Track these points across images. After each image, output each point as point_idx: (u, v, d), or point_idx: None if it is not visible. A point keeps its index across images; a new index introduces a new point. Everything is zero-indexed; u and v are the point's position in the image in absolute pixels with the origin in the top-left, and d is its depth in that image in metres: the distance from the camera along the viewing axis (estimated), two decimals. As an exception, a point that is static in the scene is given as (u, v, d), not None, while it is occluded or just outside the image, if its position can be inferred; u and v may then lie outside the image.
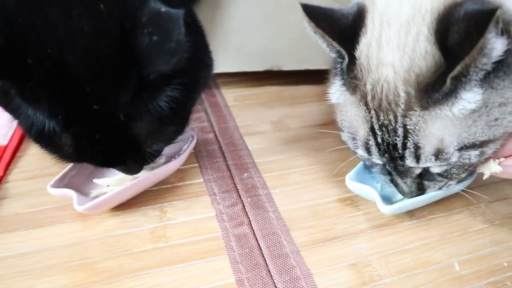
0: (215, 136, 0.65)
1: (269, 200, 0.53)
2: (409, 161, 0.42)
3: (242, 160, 0.60)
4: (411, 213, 0.51)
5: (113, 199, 0.49)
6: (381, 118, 0.42)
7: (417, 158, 0.42)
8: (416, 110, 0.40)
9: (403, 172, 0.45)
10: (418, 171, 0.45)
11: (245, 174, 0.57)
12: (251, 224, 0.49)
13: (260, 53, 0.76)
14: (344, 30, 0.44)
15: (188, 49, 0.37)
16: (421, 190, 0.47)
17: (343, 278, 0.43)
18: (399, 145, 0.42)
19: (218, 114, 0.71)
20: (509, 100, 0.39)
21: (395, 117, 0.41)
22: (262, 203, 0.52)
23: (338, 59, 0.45)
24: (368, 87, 0.42)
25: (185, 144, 0.57)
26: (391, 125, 0.41)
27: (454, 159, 0.41)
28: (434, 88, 0.39)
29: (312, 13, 0.44)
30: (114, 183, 0.52)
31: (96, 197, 0.50)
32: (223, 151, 0.62)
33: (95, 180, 0.52)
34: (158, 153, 0.46)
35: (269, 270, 0.44)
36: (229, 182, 0.56)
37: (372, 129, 0.43)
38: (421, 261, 0.45)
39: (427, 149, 0.41)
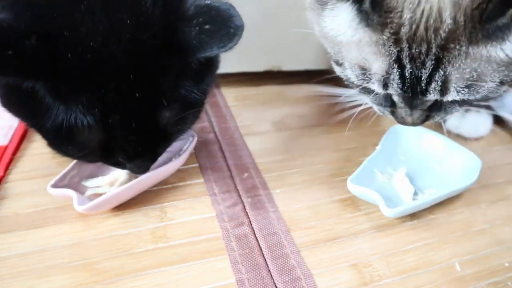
0: (216, 136, 0.65)
1: (269, 200, 0.53)
2: (432, 95, 0.38)
3: (242, 160, 0.60)
4: (412, 214, 0.51)
5: (113, 199, 0.49)
6: (413, 50, 0.36)
7: (443, 91, 0.37)
8: (460, 43, 0.34)
9: (415, 105, 0.41)
10: (431, 103, 0.41)
11: (246, 174, 0.57)
12: (251, 225, 0.49)
13: (260, 53, 0.76)
14: None
15: None
16: (424, 122, 0.44)
17: (343, 278, 0.43)
18: (424, 78, 0.37)
19: (218, 114, 0.71)
20: None
21: (428, 48, 0.36)
22: (262, 203, 0.52)
23: (354, 6, 0.37)
24: (406, 15, 0.35)
25: (185, 144, 0.56)
26: (421, 57, 0.36)
27: (486, 91, 0.37)
28: (489, 18, 0.33)
29: None
30: (104, 184, 0.52)
31: (92, 197, 0.50)
32: (224, 151, 0.62)
33: (84, 182, 0.52)
34: (175, 140, 0.48)
35: (269, 271, 0.44)
36: (230, 182, 0.56)
37: (398, 61, 0.37)
38: (422, 262, 0.45)
39: (459, 82, 0.36)
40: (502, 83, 0.37)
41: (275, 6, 0.71)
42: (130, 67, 0.38)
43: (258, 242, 0.47)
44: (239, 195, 0.54)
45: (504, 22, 0.33)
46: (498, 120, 0.66)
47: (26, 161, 0.59)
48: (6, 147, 0.59)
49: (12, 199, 0.52)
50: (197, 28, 0.38)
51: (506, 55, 0.34)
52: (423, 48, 0.36)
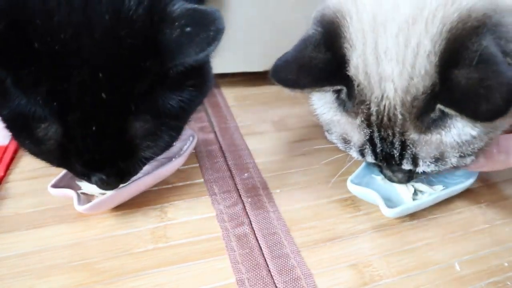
0: (216, 136, 0.65)
1: (269, 200, 0.53)
2: (407, 166, 0.42)
3: (242, 160, 0.60)
4: (411, 214, 0.51)
5: (113, 199, 0.49)
6: (382, 133, 0.40)
7: (415, 164, 0.41)
8: (411, 133, 0.38)
9: (395, 170, 0.45)
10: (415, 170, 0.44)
11: (246, 174, 0.57)
12: (251, 224, 0.49)
13: (260, 53, 0.76)
14: (325, 66, 0.39)
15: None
16: (411, 179, 0.46)
17: (343, 278, 0.43)
18: (396, 155, 0.41)
19: (218, 114, 0.71)
20: None
21: (393, 134, 0.39)
22: (262, 203, 0.52)
23: (334, 93, 0.42)
24: (373, 108, 0.39)
25: (185, 144, 0.56)
26: (389, 138, 0.40)
27: (453, 164, 0.40)
28: (426, 113, 0.37)
29: (283, 79, 0.42)
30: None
31: (92, 197, 0.50)
32: (224, 151, 0.62)
33: (78, 181, 0.51)
34: (147, 161, 0.44)
35: (269, 270, 0.44)
36: (230, 182, 0.56)
37: (371, 140, 0.41)
38: (421, 261, 0.45)
39: (426, 159, 0.40)
40: (463, 156, 0.39)
41: (275, 7, 0.72)
42: (100, 63, 0.36)
43: (258, 242, 0.47)
44: (239, 195, 0.54)
45: (436, 115, 0.37)
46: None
47: (26, 161, 0.59)
48: (6, 147, 0.59)
49: (13, 199, 0.52)
50: (178, 30, 0.36)
51: (454, 140, 0.37)
52: (390, 133, 0.40)
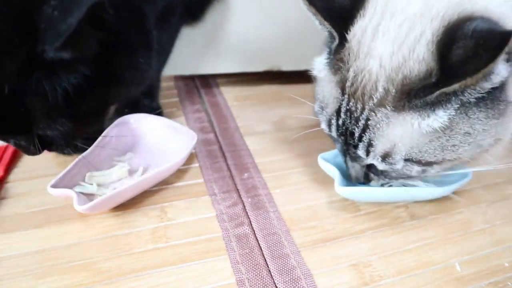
0: (216, 136, 0.65)
1: (269, 200, 0.53)
2: (360, 152, 0.44)
3: (242, 160, 0.60)
4: (412, 213, 0.51)
5: (113, 199, 0.49)
6: (351, 103, 0.42)
7: (367, 152, 0.43)
8: (386, 109, 0.40)
9: (353, 158, 0.46)
10: (366, 161, 0.45)
11: (246, 174, 0.57)
12: (251, 225, 0.49)
13: (260, 53, 0.76)
14: (339, 10, 0.43)
15: (98, 43, 0.37)
16: (366, 180, 0.49)
17: (344, 278, 0.43)
18: (356, 135, 0.43)
19: (218, 114, 0.71)
20: (475, 132, 0.40)
21: (363, 108, 0.41)
22: (262, 203, 0.52)
23: (330, 38, 0.45)
24: (351, 73, 0.42)
25: (186, 144, 0.56)
26: (356, 113, 0.42)
27: (398, 166, 0.43)
28: (418, 95, 0.38)
29: None
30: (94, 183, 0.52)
31: (92, 197, 0.50)
32: (224, 151, 0.62)
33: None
34: (56, 142, 0.44)
35: (269, 271, 0.44)
36: (230, 182, 0.56)
37: (338, 110, 0.44)
38: (422, 262, 0.45)
39: (378, 149, 0.42)
40: (411, 160, 0.42)
41: (275, 7, 0.72)
42: None
43: (258, 242, 0.47)
44: (239, 195, 0.54)
45: (431, 99, 0.38)
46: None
47: (26, 161, 0.59)
48: (6, 147, 0.59)
49: (13, 199, 0.52)
50: (50, 10, 0.34)
51: (421, 128, 0.39)
52: (359, 107, 0.42)
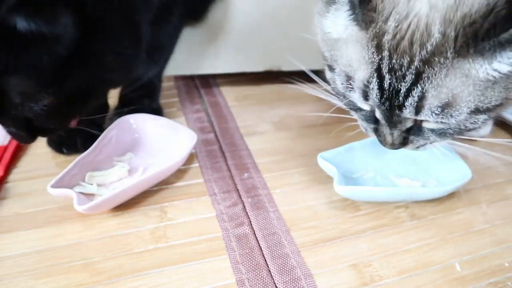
0: (216, 136, 0.65)
1: (269, 200, 0.53)
2: (407, 112, 0.39)
3: (242, 160, 0.60)
4: (412, 213, 0.51)
5: (113, 199, 0.49)
6: (394, 60, 0.36)
7: (418, 109, 0.38)
8: (444, 56, 0.35)
9: (394, 123, 0.41)
10: (410, 124, 0.41)
11: (246, 174, 0.57)
12: (251, 225, 0.49)
13: (260, 53, 0.76)
14: None
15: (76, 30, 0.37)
16: (403, 145, 0.44)
17: (344, 278, 0.43)
18: (402, 91, 0.37)
19: (218, 114, 0.71)
20: None
21: (410, 61, 0.36)
22: (262, 203, 0.52)
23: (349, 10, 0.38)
24: (390, 23, 0.36)
25: (186, 144, 0.56)
26: (401, 71, 0.36)
27: (460, 118, 0.37)
28: (488, 35, 0.33)
29: None
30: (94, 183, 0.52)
31: (92, 197, 0.50)
32: (224, 151, 0.62)
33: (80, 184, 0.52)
34: (45, 125, 0.44)
35: (269, 271, 0.44)
36: (230, 182, 0.56)
37: (378, 71, 0.37)
38: (422, 262, 0.45)
39: (434, 102, 0.37)
40: (477, 110, 0.37)
41: (275, 7, 0.72)
42: None
43: (258, 242, 0.47)
44: (239, 195, 0.54)
45: (506, 37, 0.33)
46: (498, 120, 0.66)
47: (26, 161, 0.59)
48: (6, 147, 0.59)
49: (13, 199, 0.52)
50: None
51: (487, 73, 0.35)
52: (405, 61, 0.36)
